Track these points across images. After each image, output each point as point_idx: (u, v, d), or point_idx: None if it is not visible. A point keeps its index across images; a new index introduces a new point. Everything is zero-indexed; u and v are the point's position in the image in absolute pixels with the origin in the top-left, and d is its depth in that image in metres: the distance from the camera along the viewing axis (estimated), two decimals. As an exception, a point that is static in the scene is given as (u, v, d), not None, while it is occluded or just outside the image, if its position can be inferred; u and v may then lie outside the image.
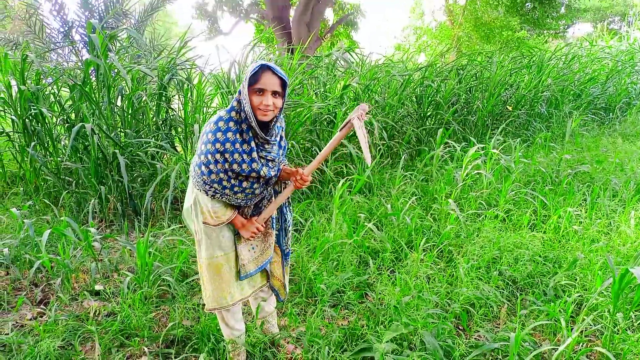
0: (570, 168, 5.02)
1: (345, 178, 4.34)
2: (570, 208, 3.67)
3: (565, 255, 3.23)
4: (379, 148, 5.23)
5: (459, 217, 3.58)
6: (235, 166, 1.92)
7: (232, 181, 1.97)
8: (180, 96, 4.97)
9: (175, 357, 2.45)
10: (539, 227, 3.73)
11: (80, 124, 4.04)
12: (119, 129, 4.65)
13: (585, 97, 7.90)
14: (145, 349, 2.51)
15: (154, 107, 4.87)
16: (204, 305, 2.53)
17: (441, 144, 4.95)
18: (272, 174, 2.06)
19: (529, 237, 3.40)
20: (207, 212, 2.04)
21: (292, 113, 4.83)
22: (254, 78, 1.86)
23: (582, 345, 2.44)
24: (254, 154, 1.94)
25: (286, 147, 2.23)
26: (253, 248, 2.23)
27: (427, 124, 6.20)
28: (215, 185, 1.96)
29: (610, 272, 2.38)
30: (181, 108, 4.99)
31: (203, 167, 1.95)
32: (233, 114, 1.92)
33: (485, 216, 3.80)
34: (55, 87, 4.86)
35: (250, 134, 1.93)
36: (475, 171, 4.38)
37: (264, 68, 1.85)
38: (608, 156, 5.52)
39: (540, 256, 3.21)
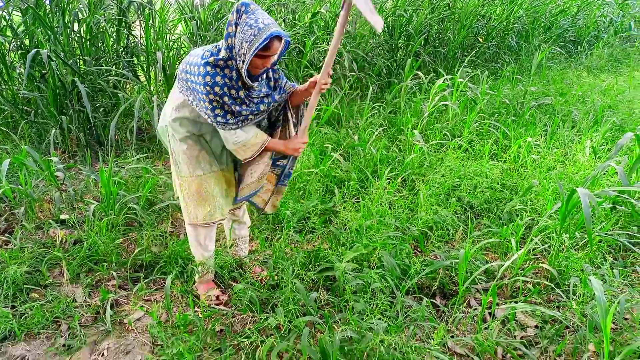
0: (534, 100, 5.11)
1: (314, 109, 4.31)
2: (530, 138, 3.79)
3: (522, 182, 3.38)
4: (348, 80, 5.18)
5: (423, 148, 3.66)
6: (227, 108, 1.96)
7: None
8: (142, 22, 4.73)
9: (143, 280, 2.53)
10: (500, 157, 3.86)
11: (36, 49, 3.83)
12: (77, 57, 4.44)
13: (556, 29, 7.89)
14: (114, 273, 2.57)
15: (114, 34, 4.64)
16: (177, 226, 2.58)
17: (410, 75, 4.94)
18: (268, 107, 2.09)
19: (489, 166, 3.52)
20: (236, 147, 2.05)
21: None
22: (265, 47, 1.83)
23: (529, 263, 2.62)
24: (244, 100, 1.97)
25: (283, 89, 2.19)
26: (252, 173, 2.28)
27: (398, 55, 6.13)
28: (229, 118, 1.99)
29: (561, 196, 2.51)
30: (143, 35, 4.76)
31: (209, 112, 1.95)
32: (221, 62, 1.89)
33: (449, 146, 3.89)
34: (5, 10, 4.53)
35: (239, 83, 1.94)
36: (442, 103, 4.42)
37: (273, 37, 1.82)
38: (572, 89, 5.63)
39: (498, 184, 3.35)
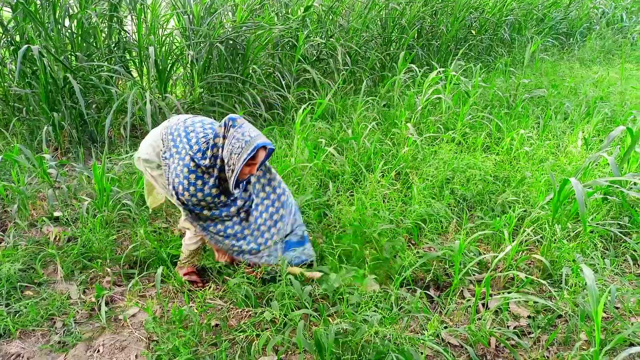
0: (527, 92, 5.13)
1: (307, 103, 4.31)
2: (523, 130, 3.81)
3: (515, 174, 3.40)
4: (341, 73, 5.18)
5: (417, 141, 3.67)
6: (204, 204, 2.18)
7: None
8: (133, 17, 4.70)
9: (137, 276, 2.53)
10: (493, 149, 3.88)
11: (26, 45, 3.79)
12: (68, 52, 4.40)
13: (548, 21, 7.91)
14: (108, 269, 2.57)
15: (105, 29, 4.60)
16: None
17: (403, 68, 4.94)
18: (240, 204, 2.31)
19: (482, 158, 3.53)
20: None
21: (252, 36, 4.67)
22: (252, 156, 2.00)
23: (522, 254, 2.64)
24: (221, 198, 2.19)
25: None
26: None
27: (392, 48, 6.12)
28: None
29: (553, 188, 2.53)
30: (135, 30, 4.73)
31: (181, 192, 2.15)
32: (203, 168, 2.09)
33: (442, 139, 3.90)
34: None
35: (218, 191, 2.15)
36: (435, 96, 4.43)
37: (259, 147, 2.00)
38: (564, 81, 5.65)
39: (491, 176, 3.37)
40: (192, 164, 2.08)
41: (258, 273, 2.48)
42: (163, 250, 2.61)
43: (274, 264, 2.37)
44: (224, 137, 2.01)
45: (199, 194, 2.10)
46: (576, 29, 8.31)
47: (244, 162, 1.97)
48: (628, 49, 8.10)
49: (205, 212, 2.21)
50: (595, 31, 8.42)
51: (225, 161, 2.01)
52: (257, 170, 2.26)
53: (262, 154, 2.07)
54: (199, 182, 2.09)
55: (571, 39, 8.25)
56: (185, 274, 2.52)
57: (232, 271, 2.44)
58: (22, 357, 2.08)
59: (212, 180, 2.10)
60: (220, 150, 2.03)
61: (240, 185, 2.28)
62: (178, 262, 2.56)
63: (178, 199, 2.14)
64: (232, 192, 2.11)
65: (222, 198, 2.19)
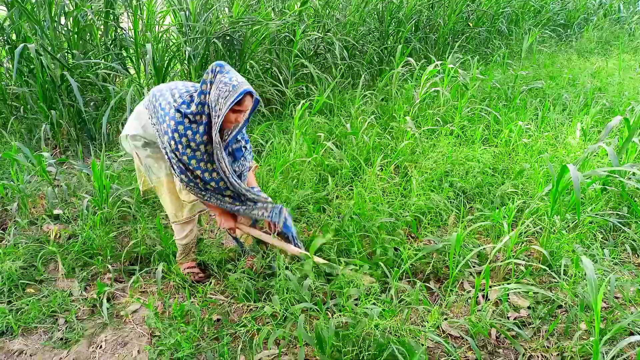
0: (525, 84, 5.13)
1: (306, 99, 4.31)
2: (521, 122, 3.81)
3: (514, 166, 3.40)
4: (339, 68, 5.17)
5: (415, 135, 3.67)
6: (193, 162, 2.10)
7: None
8: (130, 14, 4.68)
9: (139, 273, 2.54)
10: (491, 142, 3.88)
11: (23, 44, 3.78)
12: (65, 50, 4.39)
13: (545, 13, 7.89)
14: (109, 266, 2.57)
15: (102, 26, 4.59)
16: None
17: (401, 62, 4.93)
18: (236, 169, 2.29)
19: (480, 151, 3.53)
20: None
21: (249, 31, 4.66)
22: (239, 103, 1.98)
23: (521, 245, 2.65)
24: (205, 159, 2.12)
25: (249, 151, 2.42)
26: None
27: (389, 42, 6.11)
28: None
29: (552, 179, 2.54)
30: (131, 27, 4.71)
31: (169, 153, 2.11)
32: (190, 117, 2.04)
33: (441, 132, 3.90)
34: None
35: (204, 138, 2.07)
36: (433, 89, 4.43)
37: (246, 93, 1.98)
38: (562, 72, 5.65)
39: (490, 168, 3.37)
40: (177, 115, 2.03)
41: (257, 268, 2.49)
42: (164, 246, 2.61)
43: (275, 221, 2.32)
44: (211, 83, 1.99)
45: (192, 144, 2.05)
46: (574, 20, 8.29)
47: (231, 106, 1.95)
48: (626, 39, 8.08)
49: (200, 171, 2.14)
50: (592, 22, 8.41)
51: (212, 106, 1.98)
52: (245, 124, 2.17)
53: (248, 102, 2.04)
54: (189, 132, 2.03)
55: (569, 30, 8.24)
56: (185, 269, 2.52)
57: (233, 266, 2.44)
58: (25, 354, 2.09)
59: (201, 128, 2.04)
60: (207, 96, 2.00)
61: (229, 145, 2.23)
62: (177, 257, 2.58)
63: (175, 162, 2.10)
64: (215, 140, 2.04)
65: (208, 148, 2.12)
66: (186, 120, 2.03)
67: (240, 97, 1.96)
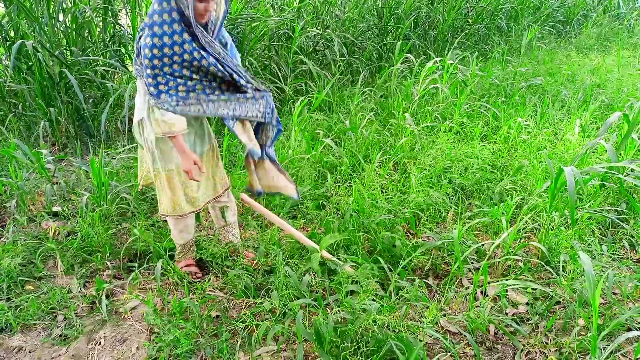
0: (524, 81, 5.12)
1: (305, 96, 4.31)
2: (520, 119, 3.81)
3: (513, 163, 3.40)
4: (338, 65, 5.16)
5: (414, 131, 3.67)
6: (176, 58, 1.90)
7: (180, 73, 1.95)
8: (128, 10, 4.67)
9: (137, 269, 2.54)
10: (490, 138, 3.88)
11: (21, 41, 3.78)
12: (63, 47, 4.38)
13: (545, 9, 7.88)
14: (108, 263, 2.57)
15: (100, 23, 4.57)
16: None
17: (400, 58, 4.92)
18: (222, 69, 2.02)
19: (479, 147, 3.53)
20: (161, 121, 2.00)
21: (247, 28, 4.65)
22: None
23: (520, 242, 2.65)
24: (193, 44, 1.92)
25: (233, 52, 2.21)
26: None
27: (388, 39, 6.10)
28: (165, 80, 1.93)
29: (551, 175, 2.54)
30: (129, 23, 4.70)
31: (147, 62, 1.90)
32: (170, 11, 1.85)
33: (440, 129, 3.90)
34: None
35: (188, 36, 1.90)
36: (432, 85, 4.42)
37: None
38: (561, 69, 5.64)
39: (489, 165, 3.37)
40: (155, 16, 1.85)
41: (258, 263, 2.49)
42: (160, 245, 2.61)
43: (268, 121, 2.24)
44: None
45: (175, 37, 1.86)
46: (573, 17, 8.28)
47: None
48: (625, 35, 8.07)
49: (186, 72, 1.96)
50: (592, 18, 8.39)
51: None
52: (225, 16, 2.02)
53: None
54: (165, 27, 1.84)
55: (568, 26, 8.23)
56: (183, 267, 2.52)
57: (232, 262, 2.45)
58: (24, 351, 2.09)
59: (175, 25, 1.86)
60: None
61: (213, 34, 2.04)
62: (175, 257, 2.57)
63: (152, 73, 1.90)
64: (202, 32, 1.92)
65: (195, 44, 1.93)
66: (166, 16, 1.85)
67: None
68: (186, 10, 1.85)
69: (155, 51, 1.86)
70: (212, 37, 2.02)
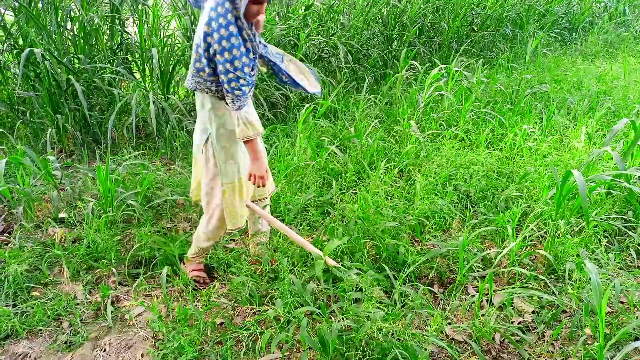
0: (529, 88, 5.11)
1: (310, 103, 4.32)
2: (526, 126, 3.80)
3: (518, 170, 3.39)
4: (343, 72, 5.18)
5: (420, 138, 3.67)
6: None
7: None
8: (135, 19, 4.72)
9: (143, 276, 2.55)
10: (496, 145, 3.87)
11: (29, 49, 3.82)
12: (71, 55, 4.43)
13: (550, 16, 7.87)
14: (114, 270, 2.58)
15: (107, 31, 4.62)
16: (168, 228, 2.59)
17: (405, 65, 4.93)
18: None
19: (485, 154, 3.53)
20: (244, 124, 2.06)
21: (253, 35, 4.67)
22: None
23: (526, 250, 2.64)
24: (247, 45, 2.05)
25: None
26: None
27: (393, 46, 6.11)
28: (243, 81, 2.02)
29: (556, 183, 2.53)
30: (136, 31, 4.75)
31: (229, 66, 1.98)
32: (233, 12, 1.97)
33: (445, 136, 3.90)
34: (-3, 10, 4.52)
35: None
36: (438, 93, 4.43)
37: None
38: (567, 76, 5.63)
39: (494, 172, 3.36)
40: (225, 17, 1.95)
41: (262, 271, 2.49)
42: (170, 250, 2.62)
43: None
44: None
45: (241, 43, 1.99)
46: (578, 24, 8.27)
47: None
48: (631, 42, 8.05)
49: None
50: (597, 25, 8.38)
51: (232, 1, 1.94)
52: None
53: None
54: (232, 27, 1.95)
55: (573, 33, 8.21)
56: (192, 271, 2.52)
57: (237, 269, 2.45)
58: (30, 357, 2.10)
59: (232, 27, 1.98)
60: None
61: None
62: (185, 257, 2.56)
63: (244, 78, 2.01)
64: (252, 35, 2.06)
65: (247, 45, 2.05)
66: (231, 17, 1.96)
67: None
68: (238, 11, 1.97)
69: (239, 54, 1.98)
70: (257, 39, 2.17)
